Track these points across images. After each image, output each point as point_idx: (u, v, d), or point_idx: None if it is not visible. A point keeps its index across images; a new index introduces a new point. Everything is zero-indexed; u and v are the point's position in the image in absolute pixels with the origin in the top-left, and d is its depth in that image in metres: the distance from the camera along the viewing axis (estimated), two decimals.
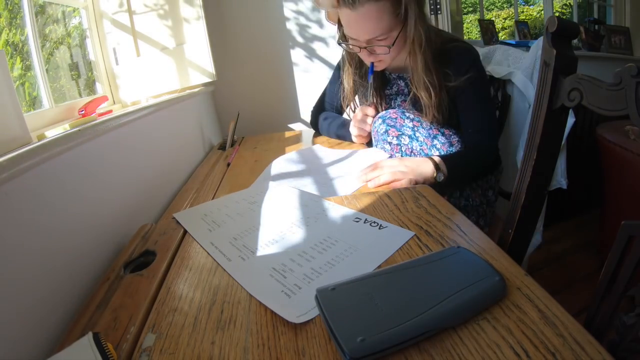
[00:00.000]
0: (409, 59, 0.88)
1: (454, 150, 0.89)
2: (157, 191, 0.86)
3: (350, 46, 0.90)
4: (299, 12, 1.65)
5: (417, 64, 0.86)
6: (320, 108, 1.22)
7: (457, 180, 0.86)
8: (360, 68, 1.02)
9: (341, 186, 0.78)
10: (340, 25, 0.91)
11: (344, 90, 1.05)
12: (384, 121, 0.91)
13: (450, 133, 0.89)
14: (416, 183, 0.78)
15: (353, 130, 1.03)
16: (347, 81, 1.03)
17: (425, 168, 0.80)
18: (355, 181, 0.80)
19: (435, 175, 0.80)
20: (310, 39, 1.69)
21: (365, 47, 0.87)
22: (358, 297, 0.37)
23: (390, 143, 0.88)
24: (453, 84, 0.87)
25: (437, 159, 0.82)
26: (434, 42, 0.86)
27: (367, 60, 0.91)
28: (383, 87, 1.02)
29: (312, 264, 0.48)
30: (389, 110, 0.93)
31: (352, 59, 1.00)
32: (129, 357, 0.36)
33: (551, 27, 0.50)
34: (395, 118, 0.90)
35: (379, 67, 0.93)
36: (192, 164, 1.16)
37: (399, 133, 0.89)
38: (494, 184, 1.00)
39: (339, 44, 0.91)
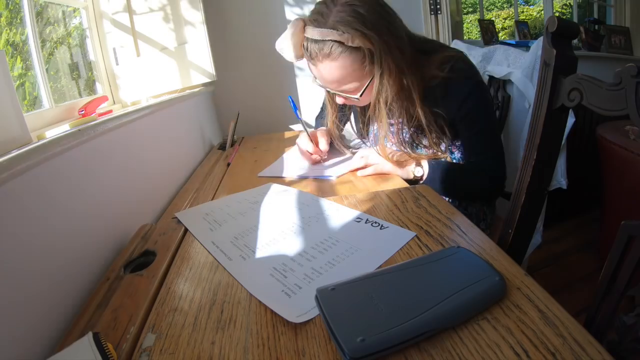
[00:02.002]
0: (373, 109, 0.83)
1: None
2: (157, 191, 0.86)
3: (325, 89, 0.86)
4: (299, 11, 1.65)
5: (382, 118, 0.81)
6: (321, 114, 1.20)
7: (439, 185, 0.82)
8: (342, 110, 1.00)
9: (329, 170, 0.88)
10: None
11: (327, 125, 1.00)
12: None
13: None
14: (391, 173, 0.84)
15: (307, 156, 0.97)
16: (330, 122, 0.97)
17: (407, 165, 0.85)
18: (342, 167, 0.88)
19: (414, 169, 0.83)
20: None
21: (337, 93, 0.84)
22: (358, 297, 0.37)
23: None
24: (450, 119, 0.82)
25: (424, 162, 0.84)
26: (417, 84, 0.79)
27: (342, 103, 0.88)
28: (365, 113, 0.96)
29: (313, 264, 0.48)
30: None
31: (333, 102, 0.93)
32: (129, 357, 0.36)
33: (551, 27, 0.50)
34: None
35: (358, 105, 0.89)
36: (192, 164, 1.16)
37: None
38: None
39: (315, 83, 0.87)
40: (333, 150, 1.00)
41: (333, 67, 0.75)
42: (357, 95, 0.81)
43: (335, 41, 0.72)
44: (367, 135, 1.00)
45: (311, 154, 0.94)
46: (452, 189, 0.84)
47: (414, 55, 0.79)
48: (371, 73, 0.77)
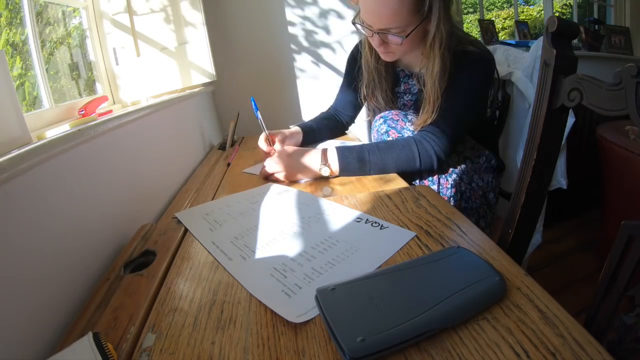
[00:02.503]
0: (425, 58, 0.85)
1: (454, 157, 0.89)
2: (157, 191, 0.86)
3: (364, 29, 0.86)
4: (299, 12, 1.65)
5: (433, 66, 0.83)
6: (327, 112, 1.21)
7: (355, 174, 0.81)
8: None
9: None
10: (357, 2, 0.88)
11: (363, 78, 1.02)
12: (385, 121, 0.92)
13: None
14: (298, 178, 0.83)
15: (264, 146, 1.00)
16: (365, 66, 0.99)
17: (310, 160, 0.82)
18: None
19: (320, 168, 0.81)
20: (311, 38, 1.69)
21: (377, 33, 0.84)
22: (358, 297, 0.37)
23: None
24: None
25: (331, 152, 0.81)
26: (454, 45, 0.83)
27: (378, 47, 0.88)
28: (393, 85, 1.00)
29: (313, 264, 0.48)
30: (392, 111, 0.94)
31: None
32: (129, 357, 0.36)
33: (551, 27, 0.50)
34: (397, 120, 0.91)
35: (387, 59, 0.91)
36: (192, 164, 1.16)
37: (399, 135, 0.89)
38: (495, 186, 1.00)
39: (354, 23, 0.87)
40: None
41: (392, 2, 0.76)
42: (403, 36, 0.81)
43: None
44: (396, 103, 1.00)
45: (266, 152, 0.98)
46: (376, 167, 0.81)
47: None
48: (421, 18, 0.79)
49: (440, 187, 0.90)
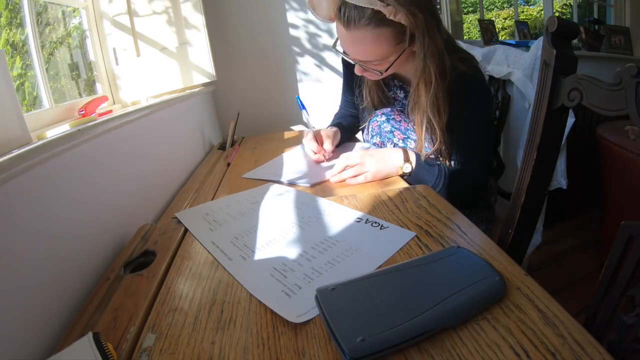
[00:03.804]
0: (414, 91, 0.82)
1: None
2: (157, 191, 0.86)
3: (345, 56, 0.84)
4: (299, 12, 1.65)
5: (420, 97, 0.80)
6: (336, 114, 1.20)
7: (423, 182, 0.80)
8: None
9: (310, 177, 0.83)
10: None
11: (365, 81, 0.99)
12: (388, 120, 0.91)
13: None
14: (383, 178, 0.80)
15: (311, 154, 0.97)
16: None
17: (393, 158, 0.80)
18: (322, 173, 0.83)
19: (402, 165, 0.80)
20: (311, 38, 1.69)
21: (358, 63, 0.82)
22: (358, 297, 0.37)
23: (395, 145, 0.89)
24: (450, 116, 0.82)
25: (410, 151, 0.81)
26: (448, 72, 0.78)
27: (360, 73, 0.86)
28: (383, 93, 0.98)
29: (313, 264, 0.48)
30: (393, 110, 0.92)
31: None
32: (129, 357, 0.36)
33: (551, 27, 0.50)
34: (400, 121, 0.90)
35: (373, 79, 0.89)
36: (192, 164, 1.16)
37: (405, 136, 0.89)
38: (495, 188, 1.00)
39: (334, 49, 0.86)
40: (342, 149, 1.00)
41: (367, 38, 0.73)
42: (383, 69, 0.79)
43: (377, 12, 0.70)
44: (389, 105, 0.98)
45: (315, 152, 0.93)
46: (438, 190, 0.81)
47: (444, 43, 0.79)
48: (403, 47, 0.76)
49: None
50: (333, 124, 1.08)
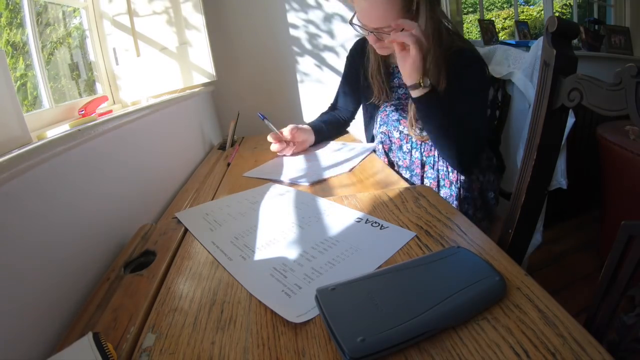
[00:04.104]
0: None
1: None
2: (157, 191, 0.86)
3: (360, 28, 0.91)
4: (300, 12, 1.65)
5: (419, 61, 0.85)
6: (329, 110, 1.24)
7: (434, 110, 0.85)
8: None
9: (310, 175, 0.85)
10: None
11: (370, 66, 1.04)
12: (396, 110, 0.98)
13: None
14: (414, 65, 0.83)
15: (274, 147, 1.04)
16: (374, 56, 1.02)
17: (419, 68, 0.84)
18: (322, 172, 0.87)
19: (422, 80, 0.83)
20: (311, 39, 1.69)
21: (372, 32, 0.89)
22: (358, 297, 0.37)
23: (401, 132, 0.96)
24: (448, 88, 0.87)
25: (427, 81, 0.85)
26: (447, 42, 0.86)
27: (374, 44, 0.93)
28: (387, 79, 1.03)
29: (313, 264, 0.48)
30: (401, 102, 0.98)
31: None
32: (129, 357, 0.36)
33: (551, 27, 0.50)
34: (407, 112, 0.95)
35: (382, 53, 0.95)
36: (192, 164, 1.16)
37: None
38: (496, 186, 1.00)
39: (351, 24, 0.93)
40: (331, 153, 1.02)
41: (382, 3, 0.82)
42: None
43: None
44: (391, 97, 1.03)
45: (276, 142, 1.01)
46: (441, 127, 0.86)
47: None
48: (411, 18, 0.83)
49: (440, 172, 0.94)
50: (311, 124, 1.12)
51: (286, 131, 1.02)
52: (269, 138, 1.03)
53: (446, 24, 0.90)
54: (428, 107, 0.85)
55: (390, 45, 0.88)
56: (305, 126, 1.08)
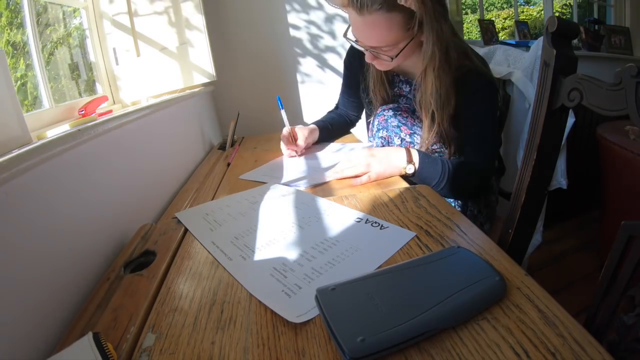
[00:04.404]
0: (419, 76, 0.83)
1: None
2: (157, 191, 0.86)
3: (356, 44, 0.86)
4: (300, 13, 1.65)
5: (426, 86, 0.81)
6: (334, 110, 1.23)
7: (428, 180, 0.81)
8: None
9: (309, 178, 0.83)
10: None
11: (371, 78, 1.00)
12: (395, 115, 0.92)
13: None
14: (386, 177, 0.80)
15: (284, 150, 1.02)
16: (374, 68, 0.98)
17: (396, 158, 0.80)
18: (321, 174, 0.84)
19: (405, 166, 0.80)
20: (312, 39, 1.69)
21: (369, 50, 0.83)
22: (358, 297, 0.37)
23: (402, 139, 0.91)
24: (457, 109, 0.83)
25: (413, 150, 0.81)
26: (455, 61, 0.80)
27: (371, 62, 0.87)
28: (390, 87, 0.99)
29: (313, 264, 0.48)
30: (400, 106, 0.94)
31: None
32: (129, 357, 0.36)
33: (551, 27, 0.50)
34: (407, 117, 0.91)
35: (381, 69, 0.91)
36: (192, 164, 1.16)
37: (411, 132, 0.90)
38: (496, 188, 1.00)
39: (345, 37, 0.86)
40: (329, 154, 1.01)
41: (379, 22, 0.75)
42: (393, 55, 0.80)
43: None
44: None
45: (287, 148, 0.99)
46: (443, 186, 0.81)
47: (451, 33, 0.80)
48: (412, 35, 0.77)
49: None
50: (317, 123, 1.11)
51: (301, 140, 0.99)
52: (284, 132, 0.99)
53: (456, 39, 0.83)
54: (422, 180, 0.81)
55: (387, 64, 0.84)
56: (312, 126, 1.06)
